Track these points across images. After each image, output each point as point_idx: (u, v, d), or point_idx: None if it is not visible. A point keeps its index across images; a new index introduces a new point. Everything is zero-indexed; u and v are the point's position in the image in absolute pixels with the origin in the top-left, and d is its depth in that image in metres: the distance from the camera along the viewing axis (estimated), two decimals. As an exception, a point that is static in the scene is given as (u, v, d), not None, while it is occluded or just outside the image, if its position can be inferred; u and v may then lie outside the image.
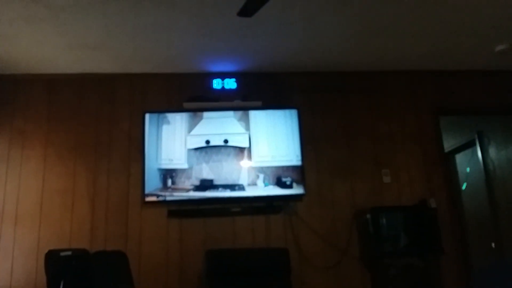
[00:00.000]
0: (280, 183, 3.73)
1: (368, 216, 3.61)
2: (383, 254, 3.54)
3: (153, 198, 3.62)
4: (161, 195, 3.63)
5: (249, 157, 3.76)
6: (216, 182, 3.70)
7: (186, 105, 3.82)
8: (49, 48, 3.46)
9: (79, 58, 3.65)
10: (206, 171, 3.71)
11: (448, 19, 3.28)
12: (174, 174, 3.68)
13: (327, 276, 3.66)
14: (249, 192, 3.68)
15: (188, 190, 3.66)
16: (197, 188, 3.67)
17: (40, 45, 3.40)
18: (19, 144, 3.73)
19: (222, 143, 3.75)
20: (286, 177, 3.74)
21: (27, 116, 3.80)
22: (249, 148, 3.77)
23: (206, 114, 3.82)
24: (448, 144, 5.01)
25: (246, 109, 3.84)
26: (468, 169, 5.06)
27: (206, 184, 3.69)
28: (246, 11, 2.53)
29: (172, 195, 3.63)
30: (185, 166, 3.70)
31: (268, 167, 3.75)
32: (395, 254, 3.56)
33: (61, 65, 3.77)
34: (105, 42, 3.40)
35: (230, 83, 3.96)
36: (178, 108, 3.84)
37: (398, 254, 3.57)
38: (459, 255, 3.81)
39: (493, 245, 4.48)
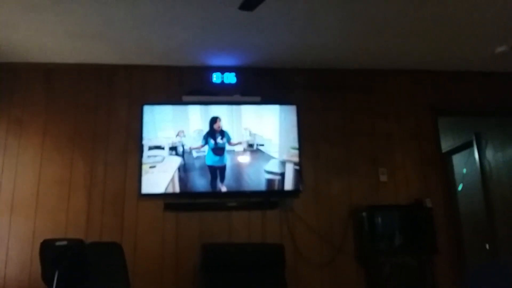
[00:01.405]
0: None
1: (364, 214, 3.62)
2: (378, 252, 3.55)
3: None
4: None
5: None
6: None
7: (185, 98, 3.81)
8: (48, 37, 3.44)
9: (78, 47, 3.63)
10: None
11: (449, 19, 3.28)
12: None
13: (322, 273, 3.67)
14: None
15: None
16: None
17: (39, 33, 3.37)
18: (16, 133, 3.71)
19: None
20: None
21: (24, 105, 3.78)
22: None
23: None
24: (446, 144, 5.02)
25: (245, 103, 3.83)
26: (464, 170, 5.07)
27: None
28: (248, 5, 2.52)
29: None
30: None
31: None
32: (390, 253, 3.57)
33: (60, 54, 3.75)
34: (105, 32, 3.38)
35: (230, 78, 3.95)
36: (177, 101, 3.83)
37: (393, 253, 3.58)
38: (454, 255, 3.82)
39: (487, 246, 4.50)
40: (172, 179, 3.66)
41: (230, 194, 3.70)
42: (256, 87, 3.99)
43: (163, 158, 3.68)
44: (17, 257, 3.46)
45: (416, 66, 4.16)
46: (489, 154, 4.65)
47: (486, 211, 4.60)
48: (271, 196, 3.76)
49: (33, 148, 3.69)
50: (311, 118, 3.99)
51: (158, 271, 3.54)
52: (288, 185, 3.75)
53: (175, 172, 3.67)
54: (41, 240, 2.86)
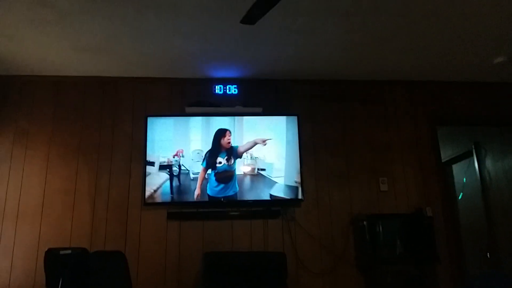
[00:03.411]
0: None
1: (365, 223, 3.64)
2: (379, 261, 3.57)
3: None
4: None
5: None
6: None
7: (188, 109, 3.87)
8: (54, 51, 3.52)
9: (84, 61, 3.71)
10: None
11: (447, 31, 3.33)
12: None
13: (323, 281, 3.69)
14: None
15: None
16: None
17: (46, 47, 3.45)
18: (22, 144, 3.78)
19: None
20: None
21: (31, 117, 3.85)
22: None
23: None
24: (445, 154, 5.05)
25: (246, 115, 3.89)
26: (464, 179, 5.10)
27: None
28: (249, 19, 2.57)
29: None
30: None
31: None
32: (391, 261, 3.59)
33: (66, 68, 3.83)
34: (109, 45, 3.46)
35: (232, 89, 4.01)
36: (180, 113, 3.89)
37: (394, 261, 3.59)
38: (454, 264, 3.83)
39: (488, 254, 4.50)
40: None
41: (232, 203, 3.75)
42: (257, 98, 4.06)
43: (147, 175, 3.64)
44: (22, 265, 3.50)
45: (415, 77, 4.23)
46: (489, 163, 4.68)
47: (486, 220, 4.62)
48: (273, 205, 3.80)
49: (39, 158, 3.76)
50: (311, 128, 4.05)
51: (160, 279, 3.57)
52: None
53: (154, 192, 3.57)
54: (46, 249, 2.92)
